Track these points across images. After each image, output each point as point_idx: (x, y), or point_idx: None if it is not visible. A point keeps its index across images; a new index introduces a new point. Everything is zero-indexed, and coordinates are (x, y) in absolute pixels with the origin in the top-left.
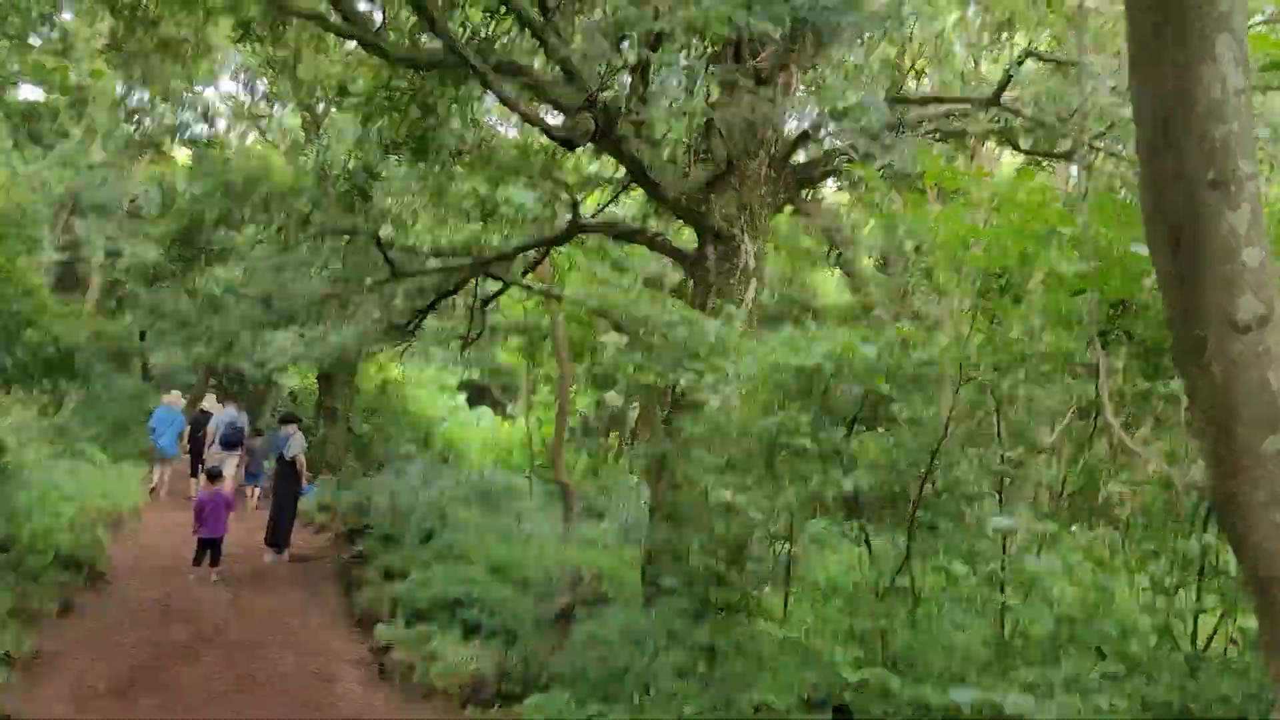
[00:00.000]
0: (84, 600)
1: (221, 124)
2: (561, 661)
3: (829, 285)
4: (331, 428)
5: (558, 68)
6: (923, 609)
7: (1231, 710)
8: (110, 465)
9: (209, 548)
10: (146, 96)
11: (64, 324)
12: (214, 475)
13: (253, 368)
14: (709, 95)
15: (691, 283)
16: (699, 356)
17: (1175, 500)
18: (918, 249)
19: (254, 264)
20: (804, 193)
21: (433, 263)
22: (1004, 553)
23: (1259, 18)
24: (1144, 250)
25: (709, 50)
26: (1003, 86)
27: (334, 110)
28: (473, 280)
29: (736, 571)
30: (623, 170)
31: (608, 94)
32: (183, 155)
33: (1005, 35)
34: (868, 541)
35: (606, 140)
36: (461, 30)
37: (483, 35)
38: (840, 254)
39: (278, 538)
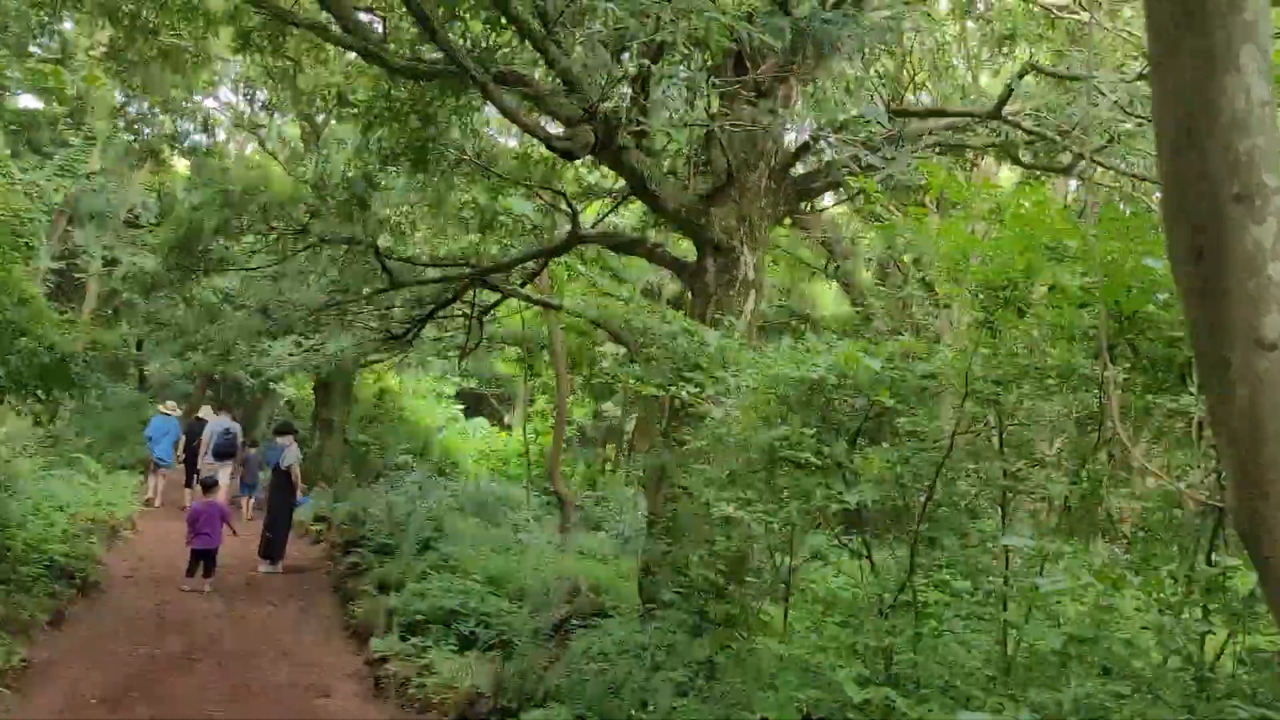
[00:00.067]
0: (77, 611)
1: (221, 133)
2: (559, 675)
3: (827, 296)
4: (328, 438)
5: (558, 79)
6: (926, 625)
7: None
8: (105, 475)
9: (203, 558)
10: (146, 105)
11: (59, 332)
12: (208, 486)
13: (250, 377)
14: (710, 107)
15: (690, 294)
16: (700, 368)
17: (1182, 516)
18: (917, 261)
19: (252, 273)
20: (803, 205)
21: (431, 272)
22: (1006, 568)
23: None
24: (1156, 264)
25: (709, 62)
26: (1004, 100)
27: (334, 120)
28: (471, 290)
29: (735, 585)
30: (622, 181)
31: (608, 105)
32: (182, 165)
33: (1006, 49)
34: (870, 556)
35: (607, 151)
36: (462, 41)
37: (483, 46)
38: (839, 265)
39: (273, 549)
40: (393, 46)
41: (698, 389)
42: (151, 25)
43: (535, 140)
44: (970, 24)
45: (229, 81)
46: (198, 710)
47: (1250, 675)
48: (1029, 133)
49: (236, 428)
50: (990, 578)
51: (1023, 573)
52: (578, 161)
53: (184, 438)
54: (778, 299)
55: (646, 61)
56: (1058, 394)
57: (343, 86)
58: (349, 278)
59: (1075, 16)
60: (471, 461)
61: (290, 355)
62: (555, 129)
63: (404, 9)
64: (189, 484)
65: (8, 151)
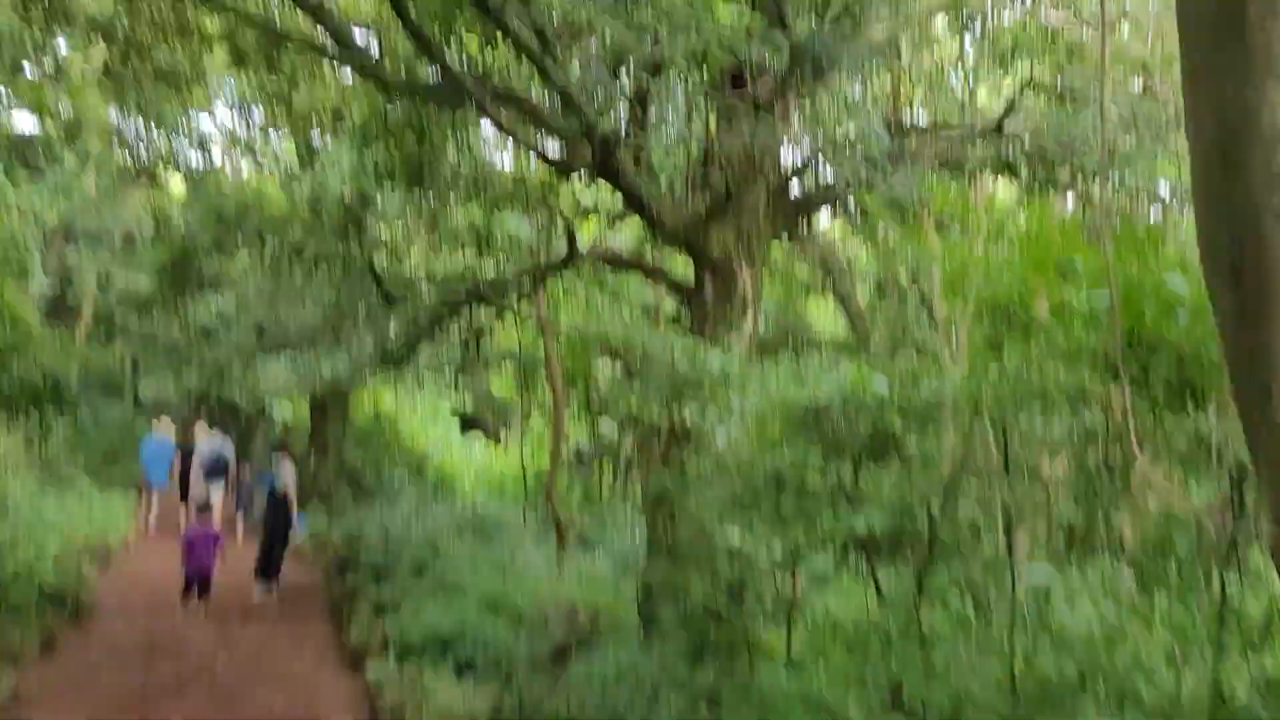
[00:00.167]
0: (68, 637)
1: (216, 153)
2: (558, 702)
3: (823, 315)
4: (323, 457)
5: (556, 96)
6: (934, 651)
7: None
8: (98, 496)
9: (197, 582)
10: (141, 125)
11: (52, 353)
12: (203, 509)
13: (244, 397)
14: (708, 124)
15: (689, 312)
16: (701, 389)
17: (1196, 539)
18: (915, 280)
19: (246, 292)
20: (801, 222)
21: (427, 291)
22: (1012, 590)
23: None
24: (1179, 282)
25: (707, 80)
26: (1004, 116)
27: (329, 139)
28: (467, 309)
29: (736, 608)
30: (620, 199)
31: (606, 123)
32: (177, 184)
33: (1007, 66)
34: (876, 581)
35: (605, 170)
36: (459, 59)
37: (480, 64)
38: (835, 283)
39: (267, 570)
40: (389, 64)
41: (701, 411)
42: (146, 44)
43: (532, 158)
44: (967, 41)
45: (224, 100)
46: None
47: (1266, 701)
48: (1030, 149)
49: (229, 447)
50: (998, 603)
51: (1028, 597)
52: (574, 180)
53: (179, 458)
54: (774, 317)
55: (645, 78)
56: (1064, 414)
57: (338, 105)
58: (344, 297)
59: (1076, 33)
60: (467, 481)
61: (285, 375)
62: (553, 147)
63: (400, 27)
64: (184, 498)
65: (1, 171)
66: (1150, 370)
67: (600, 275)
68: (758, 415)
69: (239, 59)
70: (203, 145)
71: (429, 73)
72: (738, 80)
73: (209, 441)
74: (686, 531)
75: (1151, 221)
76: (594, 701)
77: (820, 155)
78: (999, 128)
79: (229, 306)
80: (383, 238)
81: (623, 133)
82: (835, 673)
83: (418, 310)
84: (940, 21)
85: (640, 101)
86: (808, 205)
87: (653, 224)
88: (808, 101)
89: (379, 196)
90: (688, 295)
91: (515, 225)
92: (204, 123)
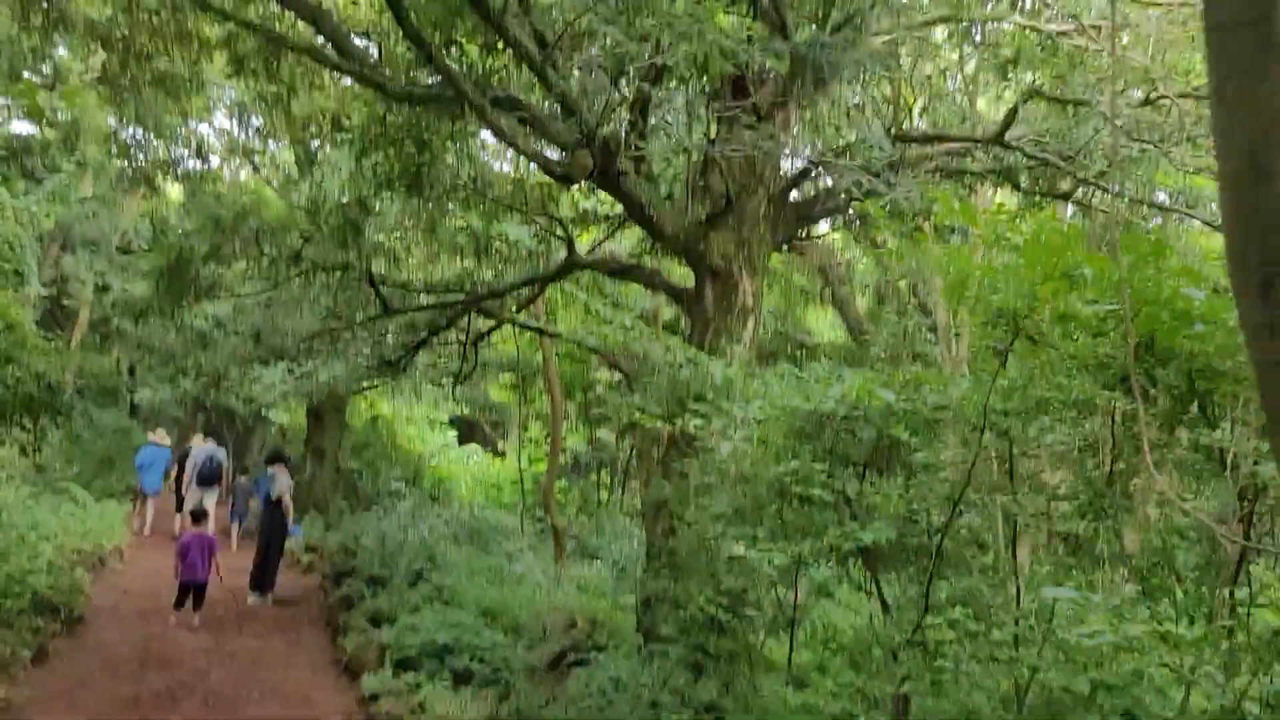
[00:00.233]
0: (61, 646)
1: (215, 160)
2: (556, 713)
3: (822, 323)
4: (320, 465)
5: (556, 103)
6: (939, 666)
7: None
8: (93, 504)
9: (191, 591)
10: (140, 132)
11: (47, 360)
12: (198, 516)
13: (241, 404)
14: (709, 132)
15: (689, 320)
16: (703, 399)
17: (1204, 552)
18: (914, 289)
19: (244, 299)
20: (801, 230)
21: (425, 299)
22: (1018, 607)
23: None
24: (1197, 293)
25: (708, 87)
26: (1007, 125)
27: (328, 146)
28: (465, 317)
29: (737, 619)
30: (619, 207)
31: (606, 130)
32: (175, 191)
33: (1009, 74)
34: (881, 594)
35: (605, 176)
36: (458, 65)
37: (480, 70)
38: (835, 292)
39: (263, 580)
40: (388, 71)
41: (704, 421)
42: (144, 50)
43: (531, 166)
44: (967, 50)
45: (223, 107)
46: None
47: (1275, 716)
48: (1031, 158)
49: (221, 454)
50: (1001, 615)
51: (1034, 611)
52: (574, 187)
53: (176, 466)
54: (773, 325)
55: (646, 85)
56: (1069, 425)
57: (337, 111)
58: (342, 304)
59: (1076, 42)
60: (464, 489)
61: (282, 382)
62: (553, 154)
63: (399, 33)
64: (179, 509)
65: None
66: (1159, 381)
67: (599, 283)
68: (761, 425)
69: (238, 66)
70: (201, 152)
71: (428, 79)
72: (739, 88)
73: (202, 448)
74: (687, 541)
75: (1153, 231)
76: (593, 713)
77: (821, 163)
78: (1001, 136)
79: (226, 313)
80: (381, 245)
81: (623, 140)
82: (840, 686)
83: (416, 318)
84: (941, 31)
85: (640, 109)
86: (809, 213)
87: (653, 231)
88: (809, 110)
89: (377, 203)
90: (688, 303)
91: (514, 232)
92: (203, 130)
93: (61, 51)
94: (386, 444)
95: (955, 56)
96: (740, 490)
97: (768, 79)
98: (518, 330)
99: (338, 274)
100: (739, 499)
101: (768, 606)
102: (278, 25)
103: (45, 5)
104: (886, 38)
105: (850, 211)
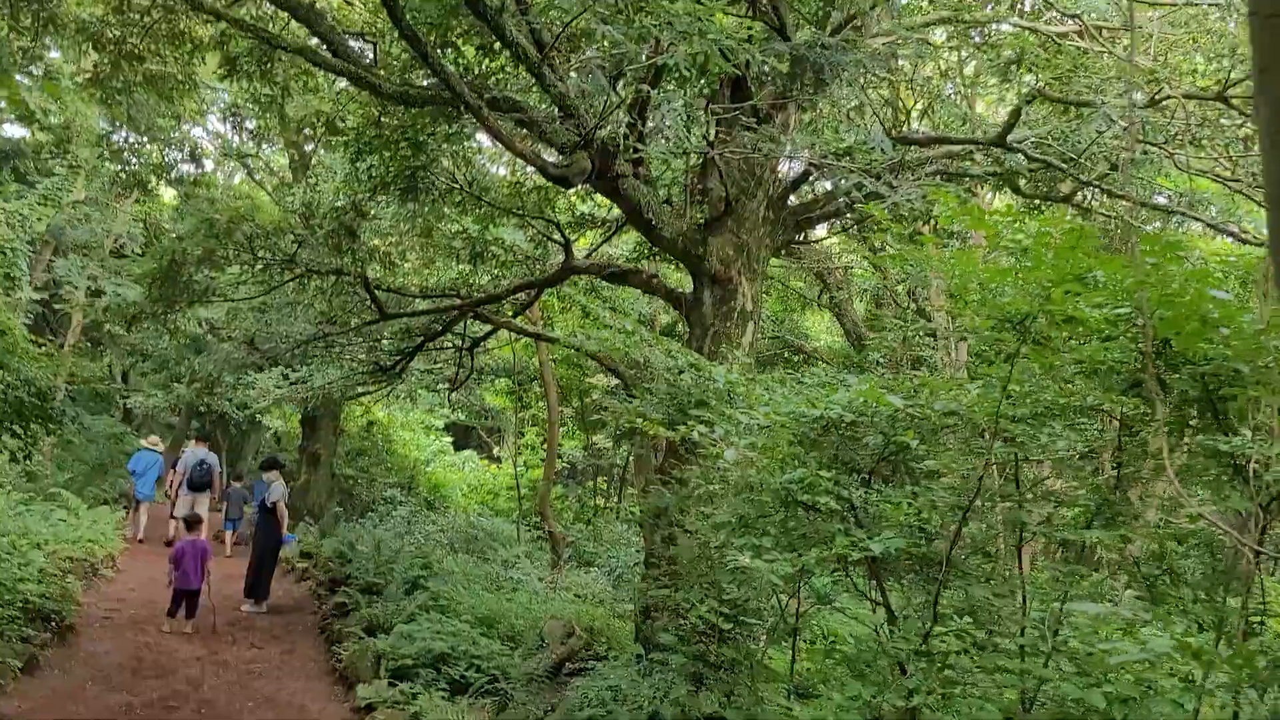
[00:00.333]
0: (51, 656)
1: (208, 164)
2: None
3: (820, 328)
4: (314, 471)
5: (553, 105)
6: (947, 676)
7: None
8: (86, 510)
9: (185, 598)
10: (132, 135)
11: (38, 365)
12: (191, 523)
13: (235, 410)
14: (708, 134)
15: (687, 325)
16: (704, 405)
17: (1217, 560)
18: (912, 294)
19: (237, 304)
20: (800, 234)
21: (421, 304)
22: (1024, 616)
23: None
24: (1224, 295)
25: (706, 89)
26: (1010, 126)
27: (322, 149)
28: (461, 322)
29: (738, 628)
30: (616, 211)
31: (605, 131)
32: (169, 195)
33: (1011, 75)
34: (888, 604)
35: (603, 179)
36: (454, 67)
37: (476, 72)
38: (833, 296)
39: (257, 588)
40: (383, 73)
41: (707, 428)
42: (136, 51)
43: (528, 169)
44: (965, 52)
45: (217, 110)
46: None
47: None
48: (1034, 160)
49: (213, 459)
50: (1008, 625)
51: (1040, 621)
52: (571, 190)
53: (170, 471)
54: (771, 330)
55: (645, 87)
56: (1076, 431)
57: (332, 114)
58: (337, 309)
59: (1078, 44)
60: (460, 495)
61: (277, 387)
62: (550, 156)
63: (395, 35)
64: (173, 515)
65: None
66: (1168, 386)
67: (597, 288)
68: (766, 431)
69: (231, 67)
70: (195, 156)
71: (424, 81)
72: (738, 90)
73: (193, 453)
74: (687, 550)
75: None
76: None
77: (821, 166)
78: (1004, 138)
79: (219, 318)
80: (376, 249)
81: (621, 142)
82: (847, 699)
83: (411, 323)
84: (942, 32)
85: (639, 110)
86: (808, 216)
87: (651, 235)
88: (808, 112)
89: (372, 207)
90: (686, 308)
91: (511, 236)
92: (196, 133)
93: (54, 54)
94: (382, 450)
95: (955, 59)
96: (744, 498)
97: (767, 81)
98: (514, 335)
99: (332, 278)
100: (743, 507)
101: (769, 615)
102: (271, 26)
103: (35, 5)
104: (886, 39)
105: (850, 215)
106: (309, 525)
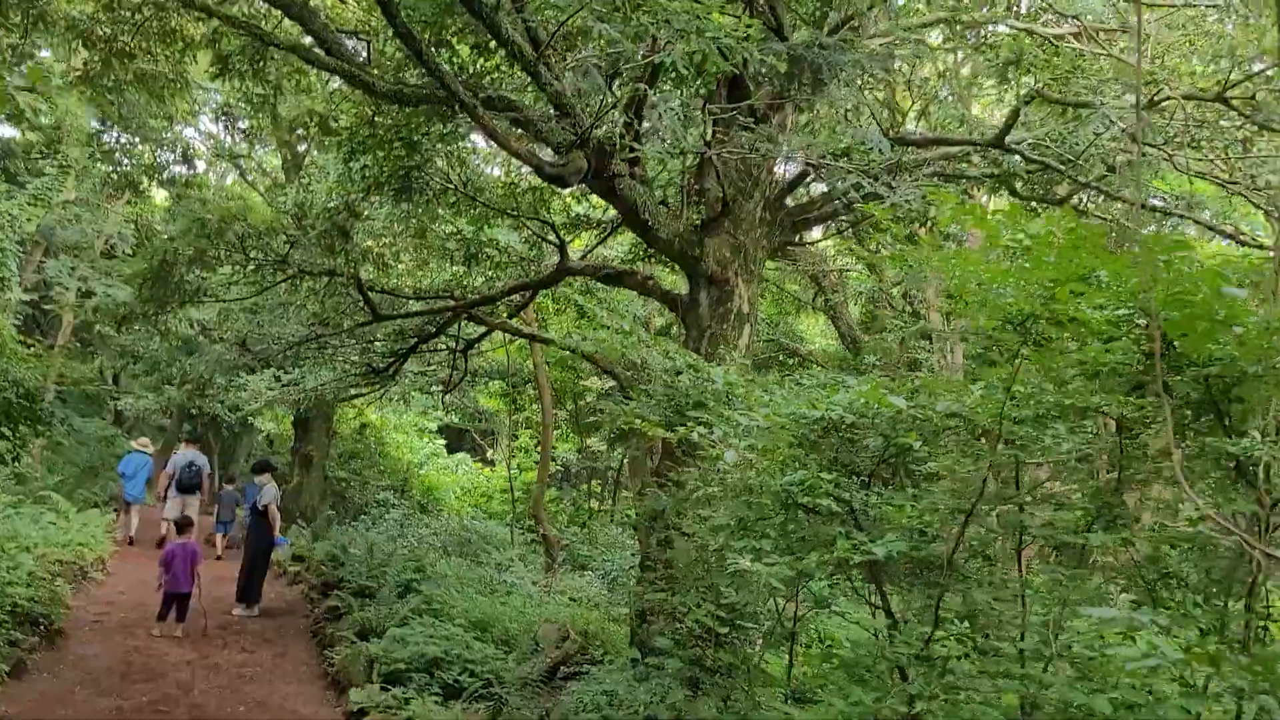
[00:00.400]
0: (40, 660)
1: (201, 164)
2: None
3: (814, 331)
4: (307, 474)
5: (549, 104)
6: (950, 682)
7: None
8: (76, 513)
9: (175, 602)
10: (124, 136)
11: (26, 366)
12: (182, 526)
13: (227, 412)
14: (705, 134)
15: (683, 327)
16: (702, 406)
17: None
18: (907, 296)
19: (229, 305)
20: (796, 236)
21: (414, 305)
22: (1023, 616)
23: None
24: (1239, 292)
25: (702, 90)
26: (1008, 127)
27: (315, 150)
28: (455, 323)
29: (735, 632)
30: (612, 212)
31: (601, 131)
32: (161, 196)
33: (1010, 76)
34: (888, 608)
35: (599, 179)
36: (450, 67)
37: (471, 71)
38: (827, 299)
39: (248, 591)
40: (377, 71)
41: (707, 429)
42: (127, 49)
43: (523, 169)
44: (962, 54)
45: (209, 111)
46: None
47: None
48: (1032, 161)
49: (203, 460)
50: (1009, 629)
51: (1041, 625)
52: (566, 191)
53: (162, 474)
54: (765, 333)
55: (642, 86)
56: (1076, 433)
57: (325, 113)
58: (329, 310)
59: (1074, 46)
60: (454, 498)
61: (269, 389)
62: (546, 156)
63: (389, 33)
64: (164, 516)
65: None
66: (1171, 388)
67: (592, 289)
68: (767, 434)
69: (223, 66)
70: (187, 156)
71: (419, 77)
72: (735, 90)
73: (182, 454)
74: (684, 553)
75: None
76: None
77: (819, 166)
78: (1002, 139)
79: (211, 319)
80: (370, 250)
81: (618, 141)
82: (850, 705)
83: (405, 324)
84: (938, 34)
85: (636, 110)
86: (805, 218)
87: (647, 236)
88: (806, 112)
89: (366, 208)
90: (682, 310)
91: (505, 237)
92: (188, 134)
93: (45, 54)
94: (375, 453)
95: (953, 59)
96: (744, 500)
97: (764, 81)
98: (508, 338)
99: (325, 279)
100: (742, 509)
101: (765, 619)
102: (264, 24)
103: (25, 2)
104: (884, 40)
105: (846, 217)
106: (301, 528)
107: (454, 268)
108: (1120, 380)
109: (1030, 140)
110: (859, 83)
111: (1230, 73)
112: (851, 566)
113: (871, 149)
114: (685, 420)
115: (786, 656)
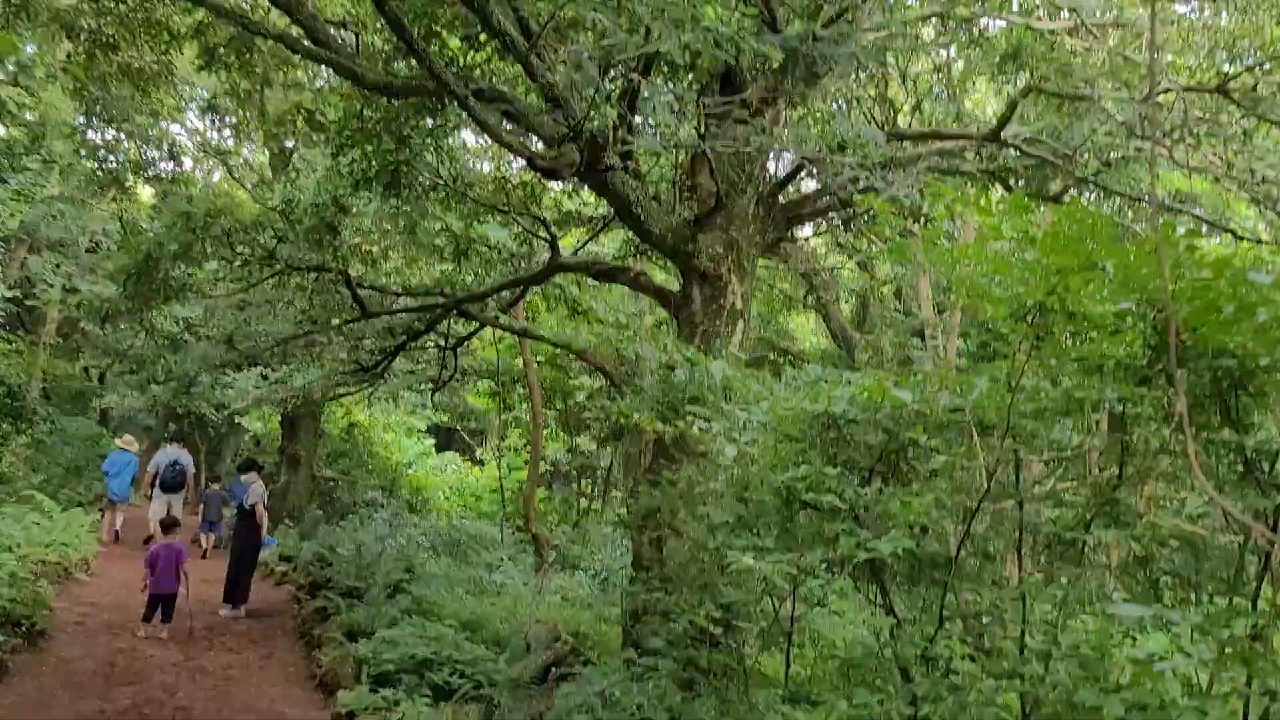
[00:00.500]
0: (21, 662)
1: (187, 162)
2: None
3: (806, 329)
4: (294, 473)
5: (541, 95)
6: (954, 683)
7: None
8: (60, 513)
9: (161, 603)
10: (109, 132)
11: (9, 363)
12: (168, 526)
13: (214, 410)
14: (698, 128)
15: (676, 324)
16: (698, 401)
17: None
18: (899, 293)
19: (215, 302)
20: (789, 232)
21: (403, 302)
22: (1024, 620)
23: None
24: (1263, 277)
25: (695, 84)
26: (1004, 121)
27: (302, 145)
28: (444, 321)
29: (731, 632)
30: (603, 208)
31: (594, 123)
32: (147, 193)
33: (1007, 69)
34: (890, 607)
35: (591, 172)
36: (440, 59)
37: (461, 64)
38: (819, 297)
39: (235, 591)
40: (365, 63)
41: (706, 424)
42: (112, 40)
43: (513, 165)
44: (956, 49)
45: (195, 106)
46: None
47: None
48: (1028, 156)
49: (187, 459)
50: (1013, 628)
51: (1042, 624)
52: (557, 187)
53: (148, 473)
54: (756, 331)
55: (636, 77)
56: (1080, 428)
57: (313, 108)
58: (317, 307)
59: (1070, 41)
60: (443, 498)
61: (255, 388)
62: (537, 149)
63: (377, 25)
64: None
65: None
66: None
67: (582, 287)
68: (767, 429)
69: (210, 58)
70: (173, 153)
71: (408, 71)
72: (728, 83)
73: (166, 453)
74: (678, 551)
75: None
76: None
77: (813, 161)
78: (998, 133)
79: (197, 316)
80: (358, 246)
81: (611, 134)
82: (855, 707)
83: (393, 322)
84: (934, 27)
85: (629, 102)
86: (798, 213)
87: (640, 231)
88: (800, 106)
89: (354, 203)
90: (675, 306)
91: (495, 233)
92: (174, 131)
93: (30, 49)
94: (363, 452)
95: (947, 54)
96: (743, 497)
97: (757, 75)
98: (497, 336)
99: (313, 276)
100: (741, 506)
101: (760, 619)
102: (251, 15)
103: None
104: (879, 34)
105: (839, 212)
106: (289, 528)
107: (444, 265)
108: (1125, 374)
109: (1027, 135)
110: (854, 77)
111: (1230, 64)
112: (853, 565)
113: (867, 143)
114: (681, 416)
115: (782, 657)
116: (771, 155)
